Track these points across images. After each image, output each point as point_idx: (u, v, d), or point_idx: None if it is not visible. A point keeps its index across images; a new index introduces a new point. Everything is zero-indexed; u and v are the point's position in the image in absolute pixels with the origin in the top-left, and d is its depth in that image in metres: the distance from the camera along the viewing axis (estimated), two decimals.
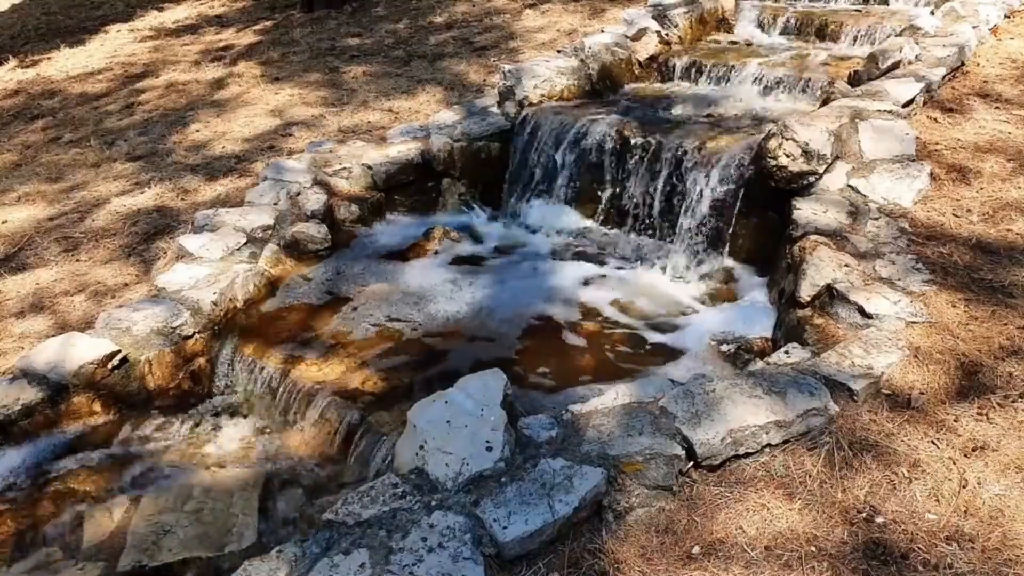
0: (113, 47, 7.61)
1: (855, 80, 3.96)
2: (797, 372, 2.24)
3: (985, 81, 3.86)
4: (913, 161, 3.20)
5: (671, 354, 3.00)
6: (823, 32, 4.89)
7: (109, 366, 2.78)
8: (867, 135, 3.28)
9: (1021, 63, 3.99)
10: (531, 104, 4.30)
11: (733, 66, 4.47)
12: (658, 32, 4.87)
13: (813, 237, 2.88)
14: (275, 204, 3.72)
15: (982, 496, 1.88)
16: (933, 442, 2.04)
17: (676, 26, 5.05)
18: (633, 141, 3.81)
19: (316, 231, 3.59)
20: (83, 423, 2.76)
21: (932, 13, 4.68)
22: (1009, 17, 4.55)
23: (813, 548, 1.80)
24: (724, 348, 2.97)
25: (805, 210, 3.05)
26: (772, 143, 3.18)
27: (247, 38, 7.29)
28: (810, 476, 1.98)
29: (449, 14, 6.99)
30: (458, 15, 6.91)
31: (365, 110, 5.03)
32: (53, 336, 2.89)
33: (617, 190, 3.91)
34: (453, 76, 5.43)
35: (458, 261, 3.69)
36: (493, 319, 3.20)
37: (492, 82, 5.02)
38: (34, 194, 4.38)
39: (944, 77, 3.78)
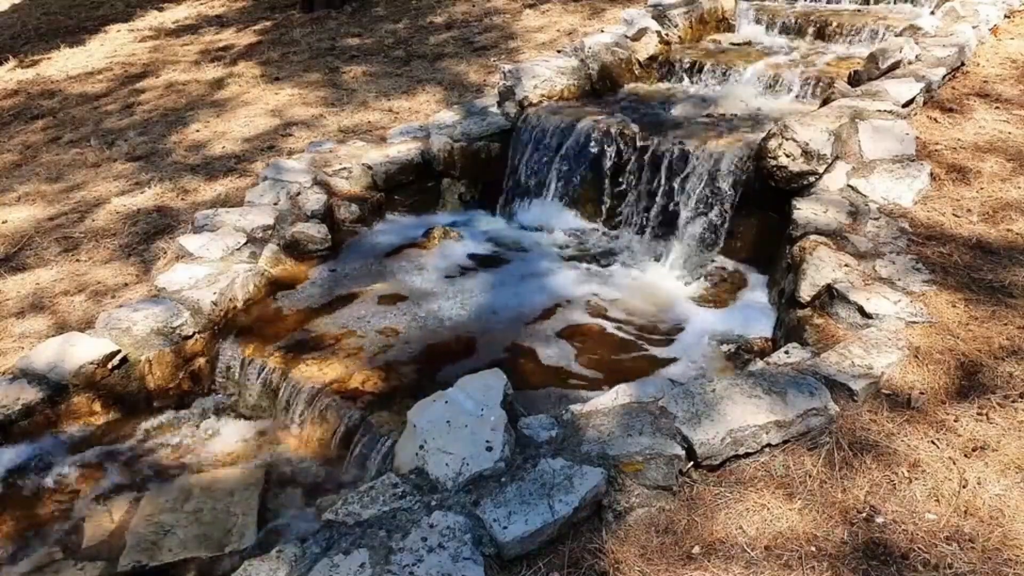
0: (113, 47, 7.61)
1: (855, 80, 3.96)
2: (797, 372, 2.24)
3: (985, 81, 3.86)
4: (913, 161, 3.20)
5: (671, 354, 3.00)
6: (823, 32, 4.89)
7: (109, 366, 2.78)
8: (867, 135, 3.28)
9: (1021, 63, 3.99)
10: (531, 104, 4.30)
11: (733, 66, 4.47)
12: (658, 32, 4.87)
13: (813, 237, 2.88)
14: (275, 204, 3.72)
15: (982, 496, 1.88)
16: (933, 442, 2.04)
17: (676, 26, 5.05)
18: (633, 141, 3.81)
19: (316, 231, 3.59)
20: (83, 423, 2.76)
21: (932, 13, 4.68)
22: (1009, 17, 4.55)
23: (813, 548, 1.80)
24: (724, 348, 2.97)
25: (805, 210, 3.05)
26: (772, 143, 3.18)
27: (247, 38, 7.28)
28: (810, 476, 1.98)
29: (449, 14, 6.99)
30: (458, 15, 6.91)
31: (365, 110, 5.03)
32: (53, 336, 2.89)
33: (617, 190, 3.91)
34: (453, 76, 5.43)
35: (458, 261, 3.69)
36: (493, 319, 3.20)
37: (492, 82, 5.02)
38: (34, 194, 4.38)
39: (944, 77, 3.78)
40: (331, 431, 2.68)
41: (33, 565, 2.31)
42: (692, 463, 2.02)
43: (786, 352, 2.41)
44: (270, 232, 3.56)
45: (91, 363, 2.73)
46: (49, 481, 2.58)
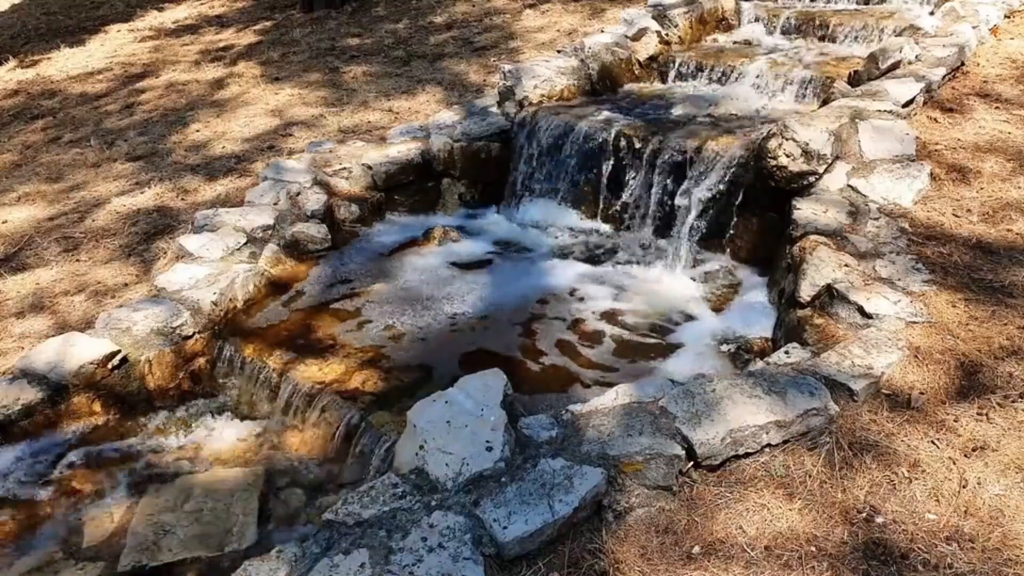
0: (113, 47, 7.61)
1: (855, 80, 3.96)
2: (797, 372, 2.24)
3: (985, 81, 3.85)
4: (913, 161, 3.20)
5: (671, 354, 3.00)
6: (823, 32, 4.89)
7: (109, 366, 2.78)
8: (867, 135, 3.28)
9: (1021, 63, 3.99)
10: (531, 104, 4.30)
11: (733, 66, 4.47)
12: (658, 32, 4.87)
13: (813, 237, 2.88)
14: (275, 204, 3.72)
15: (982, 496, 1.88)
16: (933, 442, 2.04)
17: (676, 26, 5.05)
18: (633, 141, 3.81)
19: (316, 231, 3.59)
20: (83, 423, 2.76)
21: (932, 13, 4.68)
22: (1009, 17, 4.55)
23: (813, 548, 1.80)
24: (724, 348, 2.97)
25: (805, 210, 3.05)
26: (772, 143, 3.18)
27: (247, 38, 7.28)
28: (810, 476, 1.98)
29: (449, 14, 6.99)
30: (458, 15, 6.91)
31: (365, 110, 5.03)
32: (53, 336, 2.89)
33: (617, 190, 3.91)
34: (453, 76, 5.43)
35: (458, 261, 3.69)
36: (493, 319, 3.20)
37: (492, 82, 5.02)
38: (34, 194, 4.38)
39: (944, 77, 3.77)
40: (331, 431, 2.68)
41: (33, 565, 2.31)
42: (692, 463, 2.02)
43: (786, 352, 2.41)
44: (270, 232, 3.56)
45: (91, 363, 2.73)
46: (49, 481, 2.58)
